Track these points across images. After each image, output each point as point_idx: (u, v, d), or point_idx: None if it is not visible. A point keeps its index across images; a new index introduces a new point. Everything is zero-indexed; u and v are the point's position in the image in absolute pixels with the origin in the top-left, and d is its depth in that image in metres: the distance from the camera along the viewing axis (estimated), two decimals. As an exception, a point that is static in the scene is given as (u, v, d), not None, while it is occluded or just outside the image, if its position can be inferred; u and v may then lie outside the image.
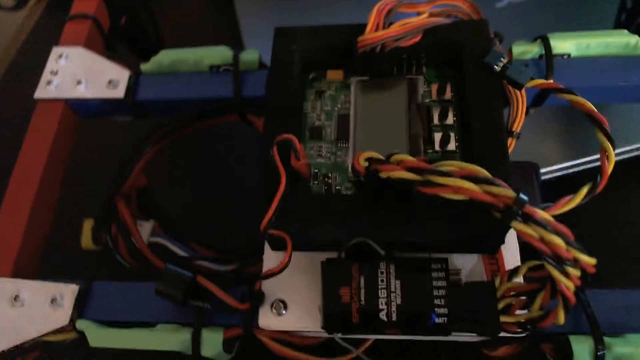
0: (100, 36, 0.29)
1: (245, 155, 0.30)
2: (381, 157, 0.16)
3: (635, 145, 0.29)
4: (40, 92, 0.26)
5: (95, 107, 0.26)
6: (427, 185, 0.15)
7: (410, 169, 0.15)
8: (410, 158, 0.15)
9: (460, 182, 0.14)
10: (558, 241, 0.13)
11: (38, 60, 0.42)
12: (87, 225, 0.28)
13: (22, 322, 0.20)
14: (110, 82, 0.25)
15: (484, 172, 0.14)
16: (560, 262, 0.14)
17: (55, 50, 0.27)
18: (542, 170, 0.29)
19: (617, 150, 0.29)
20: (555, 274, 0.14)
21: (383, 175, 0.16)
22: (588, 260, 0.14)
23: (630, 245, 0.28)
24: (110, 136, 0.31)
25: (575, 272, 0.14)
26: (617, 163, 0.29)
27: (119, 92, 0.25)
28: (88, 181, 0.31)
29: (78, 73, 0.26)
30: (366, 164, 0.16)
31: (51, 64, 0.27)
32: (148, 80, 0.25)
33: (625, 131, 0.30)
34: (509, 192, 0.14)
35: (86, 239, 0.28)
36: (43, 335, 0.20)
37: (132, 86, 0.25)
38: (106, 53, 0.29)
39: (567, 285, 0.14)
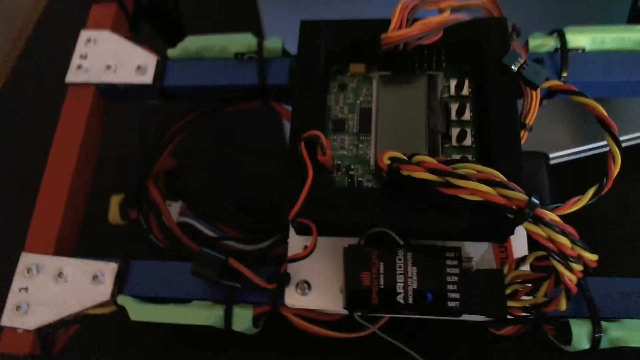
0: (125, 18, 0.30)
1: (265, 140, 0.32)
2: (404, 157, 0.17)
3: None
4: (72, 76, 0.27)
5: (124, 91, 0.27)
6: (446, 186, 0.16)
7: (431, 170, 0.16)
8: (430, 160, 0.16)
9: (477, 185, 0.15)
10: (564, 241, 0.15)
11: (52, 40, 0.42)
12: (115, 200, 0.30)
13: (66, 297, 0.22)
14: (138, 67, 0.26)
15: (499, 176, 0.15)
16: (565, 258, 0.15)
17: (84, 34, 0.28)
18: (551, 155, 0.30)
19: (631, 136, 0.31)
20: (560, 268, 0.16)
21: (404, 173, 0.17)
22: (590, 257, 0.16)
23: (636, 235, 0.29)
24: (137, 117, 0.32)
25: (578, 267, 0.16)
26: (628, 148, 0.30)
27: (148, 78, 0.26)
28: (113, 160, 0.32)
29: (107, 58, 0.27)
30: (389, 162, 0.17)
31: (80, 47, 0.27)
32: (175, 66, 0.26)
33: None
34: (522, 196, 0.15)
35: (114, 214, 0.30)
36: (85, 309, 0.22)
37: (160, 72, 0.26)
38: (130, 35, 0.30)
39: (570, 278, 0.16)
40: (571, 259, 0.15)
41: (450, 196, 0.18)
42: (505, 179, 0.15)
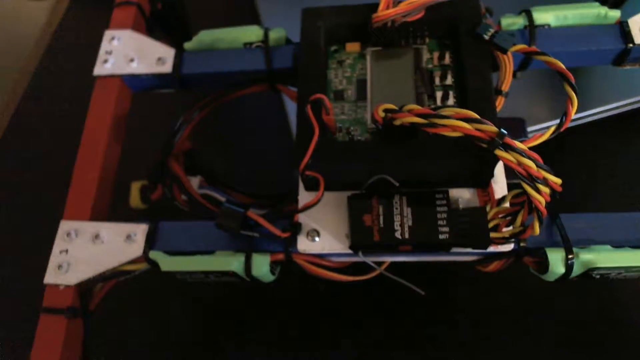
0: (143, 20, 0.33)
1: (272, 124, 0.35)
2: (395, 107, 0.20)
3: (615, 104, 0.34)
4: (98, 70, 0.30)
5: (146, 81, 0.30)
6: (431, 126, 0.19)
7: (418, 115, 0.19)
8: (418, 106, 0.20)
9: (456, 122, 0.18)
10: (530, 163, 0.18)
11: (72, 42, 0.47)
12: (135, 186, 0.33)
13: (103, 255, 0.25)
14: (158, 59, 0.30)
15: (474, 114, 0.19)
16: (532, 180, 0.18)
17: (108, 33, 0.31)
18: (531, 129, 0.33)
19: (595, 110, 0.34)
20: (530, 190, 0.19)
21: (397, 122, 0.20)
22: (554, 179, 0.19)
23: (607, 189, 0.33)
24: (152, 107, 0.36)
25: (545, 189, 0.19)
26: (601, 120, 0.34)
27: (167, 68, 0.29)
28: (131, 147, 0.36)
29: (130, 52, 0.30)
30: (383, 114, 0.21)
31: (105, 45, 0.31)
32: (191, 56, 0.30)
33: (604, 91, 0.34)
34: (493, 128, 0.18)
35: (135, 199, 0.33)
36: (121, 265, 0.25)
37: (178, 62, 0.29)
38: (147, 35, 0.34)
39: (539, 200, 0.19)
40: (538, 181, 0.18)
41: (436, 142, 0.21)
42: (478, 117, 0.19)
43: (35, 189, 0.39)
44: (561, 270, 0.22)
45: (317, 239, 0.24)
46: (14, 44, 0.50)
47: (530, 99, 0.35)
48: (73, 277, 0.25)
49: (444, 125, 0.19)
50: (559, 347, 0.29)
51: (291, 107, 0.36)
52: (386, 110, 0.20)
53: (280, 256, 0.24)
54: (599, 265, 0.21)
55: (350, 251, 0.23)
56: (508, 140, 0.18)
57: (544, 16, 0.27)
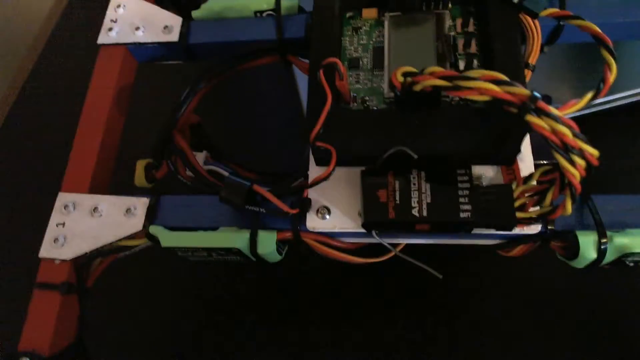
0: (151, -10, 0.32)
1: (280, 99, 0.34)
2: (416, 70, 0.19)
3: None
4: (103, 38, 0.29)
5: (152, 50, 0.29)
6: (456, 89, 0.17)
7: (442, 78, 0.18)
8: (441, 69, 0.18)
9: (484, 84, 0.17)
10: (565, 130, 0.16)
11: (80, 19, 0.45)
12: (140, 165, 0.32)
13: (101, 229, 0.24)
14: (165, 27, 0.28)
15: (503, 76, 0.17)
16: (567, 150, 0.17)
17: (113, 1, 0.30)
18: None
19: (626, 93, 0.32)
20: (564, 162, 0.17)
21: (417, 87, 0.19)
22: (591, 150, 0.17)
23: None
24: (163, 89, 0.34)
25: (580, 162, 0.17)
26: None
27: (174, 36, 0.28)
28: (135, 122, 0.34)
29: (136, 20, 0.29)
30: (402, 78, 0.19)
31: (111, 12, 0.29)
32: (199, 25, 0.28)
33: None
34: (525, 91, 0.16)
35: (140, 177, 0.31)
36: (119, 240, 0.24)
37: (185, 31, 0.28)
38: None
39: (574, 174, 0.17)
40: (573, 152, 0.17)
41: (460, 111, 0.19)
42: (508, 79, 0.17)
43: (32, 184, 0.38)
44: (592, 255, 0.20)
45: (327, 216, 0.22)
46: (15, 35, 0.49)
47: (553, 81, 0.33)
48: (69, 251, 0.24)
49: (470, 88, 0.17)
50: (572, 346, 0.27)
51: (302, 81, 0.34)
52: (405, 74, 0.19)
53: (288, 234, 0.23)
54: (635, 250, 0.19)
55: (362, 230, 0.21)
56: (541, 104, 0.16)
57: (577, -16, 0.25)
